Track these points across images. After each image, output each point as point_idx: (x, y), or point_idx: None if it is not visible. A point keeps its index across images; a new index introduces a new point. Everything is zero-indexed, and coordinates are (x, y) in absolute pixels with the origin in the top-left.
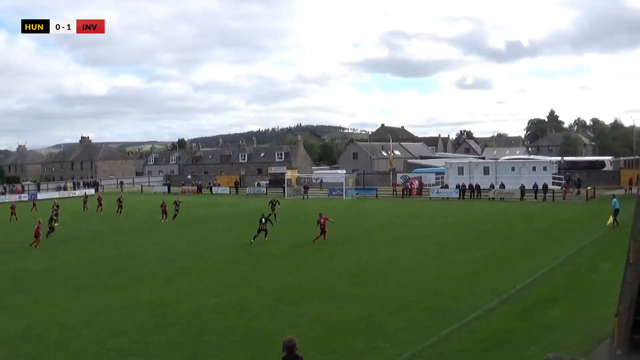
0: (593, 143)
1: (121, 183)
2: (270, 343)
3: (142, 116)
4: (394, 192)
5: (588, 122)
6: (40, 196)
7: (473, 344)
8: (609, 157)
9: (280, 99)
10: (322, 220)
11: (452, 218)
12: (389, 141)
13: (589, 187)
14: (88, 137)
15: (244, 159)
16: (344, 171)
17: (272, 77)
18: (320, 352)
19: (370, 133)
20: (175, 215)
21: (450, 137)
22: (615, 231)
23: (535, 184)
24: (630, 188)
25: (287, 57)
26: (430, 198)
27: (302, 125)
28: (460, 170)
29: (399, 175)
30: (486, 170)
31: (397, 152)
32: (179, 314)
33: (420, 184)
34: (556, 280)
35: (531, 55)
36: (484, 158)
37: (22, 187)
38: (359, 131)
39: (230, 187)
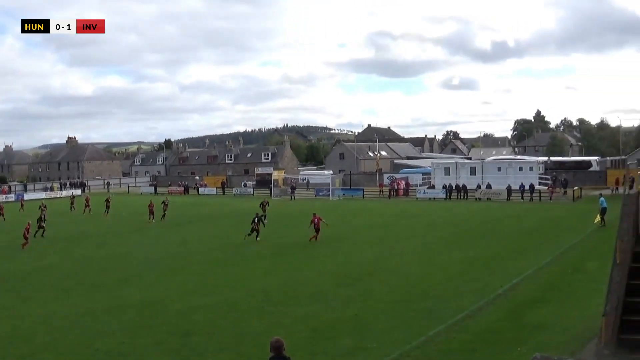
0: (579, 143)
1: (108, 184)
2: (257, 343)
3: (129, 116)
4: (381, 193)
5: (574, 123)
6: (27, 197)
7: (460, 344)
8: (596, 157)
9: (267, 99)
10: (316, 220)
11: (438, 218)
12: (376, 142)
13: (576, 187)
14: (75, 138)
15: (231, 160)
16: (331, 172)
17: (259, 78)
18: (308, 353)
19: (356, 133)
20: (164, 215)
21: (437, 138)
22: (601, 231)
23: (522, 184)
24: (617, 188)
25: (273, 58)
26: (417, 198)
27: (289, 125)
28: (447, 171)
29: (385, 176)
30: (473, 171)
31: (383, 153)
32: (167, 315)
33: (407, 184)
34: (543, 280)
35: (517, 56)
36: (470, 158)
37: (9, 187)
38: (345, 132)
39: (216, 188)
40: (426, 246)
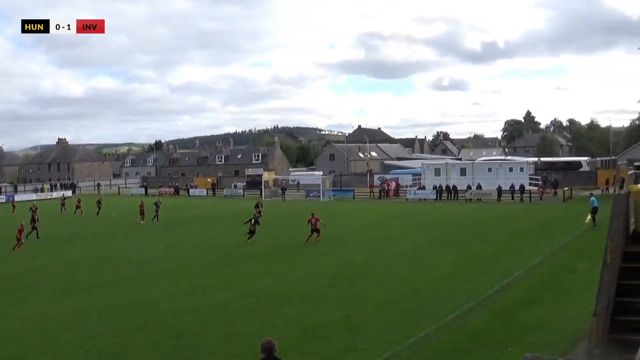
0: (570, 144)
1: (98, 185)
2: (249, 344)
3: (119, 118)
4: (371, 194)
5: (564, 123)
6: (17, 198)
7: (451, 344)
8: (586, 158)
9: (257, 100)
10: (313, 220)
11: (429, 219)
12: (366, 142)
13: (566, 188)
14: (65, 139)
15: (221, 161)
16: (321, 173)
17: (249, 79)
18: (299, 354)
19: (347, 134)
20: (156, 216)
21: (427, 139)
22: (592, 231)
23: (512, 184)
24: (607, 188)
25: (263, 59)
26: (407, 199)
27: (279, 126)
28: (437, 172)
29: (376, 177)
30: (463, 171)
31: (373, 154)
32: (158, 316)
33: (397, 185)
34: (534, 281)
35: (507, 57)
36: (460, 159)
37: (0, 188)
38: (335, 133)
39: (207, 189)
40: (417, 247)
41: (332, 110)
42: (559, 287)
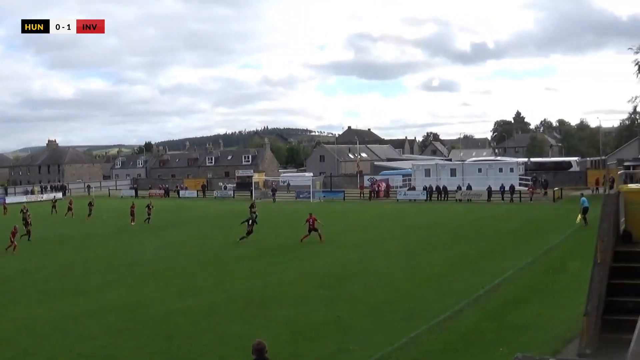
0: (559, 144)
1: (88, 187)
2: (240, 346)
3: (109, 119)
4: (361, 195)
5: (554, 123)
6: (8, 200)
7: (442, 345)
8: (576, 158)
9: (247, 101)
10: (310, 219)
11: (419, 220)
12: (356, 144)
13: (556, 188)
14: (55, 141)
15: (211, 162)
16: (311, 174)
17: (239, 80)
18: (290, 355)
19: (337, 136)
20: (149, 218)
21: (417, 139)
22: (582, 231)
23: (502, 185)
24: (597, 188)
25: (253, 60)
26: (398, 200)
27: (269, 128)
28: (427, 172)
29: (366, 178)
30: (453, 172)
31: (364, 155)
32: (148, 318)
33: (388, 186)
34: (525, 281)
35: (497, 57)
36: (450, 160)
37: None
38: (325, 134)
39: (197, 191)
40: (407, 248)
41: (322, 112)
42: (550, 287)
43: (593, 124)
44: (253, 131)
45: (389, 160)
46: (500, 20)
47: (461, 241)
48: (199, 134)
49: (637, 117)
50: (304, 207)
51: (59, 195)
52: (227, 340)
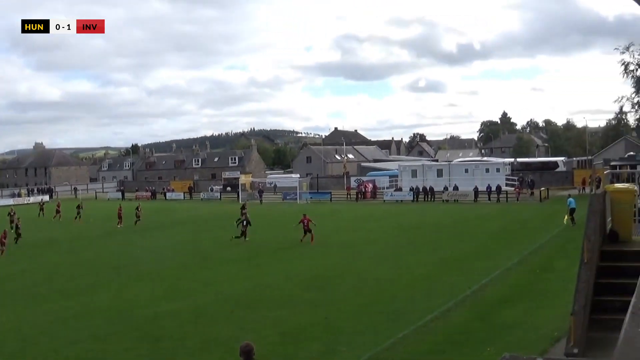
0: (546, 144)
1: (75, 189)
2: (227, 348)
3: (96, 121)
4: (348, 196)
5: (541, 124)
6: None
7: (430, 345)
8: (562, 158)
9: (234, 103)
10: (305, 220)
11: (406, 221)
12: (343, 145)
13: (543, 188)
14: (42, 143)
15: (198, 164)
16: (298, 175)
17: (225, 82)
18: (278, 357)
19: (323, 137)
20: (137, 220)
21: (404, 140)
22: (569, 231)
23: (489, 185)
24: (584, 188)
25: (240, 61)
26: (384, 201)
27: (256, 129)
28: (414, 173)
29: (352, 179)
30: (439, 173)
31: (350, 156)
32: (135, 321)
33: (374, 187)
34: (512, 280)
35: (483, 58)
36: (437, 160)
37: None
38: (312, 135)
39: (184, 193)
40: (394, 249)
41: (309, 113)
42: (537, 286)
43: (579, 124)
44: (240, 133)
45: (375, 161)
46: (487, 21)
47: (448, 241)
48: (185, 136)
49: (624, 117)
50: (290, 208)
51: (46, 198)
52: (214, 342)
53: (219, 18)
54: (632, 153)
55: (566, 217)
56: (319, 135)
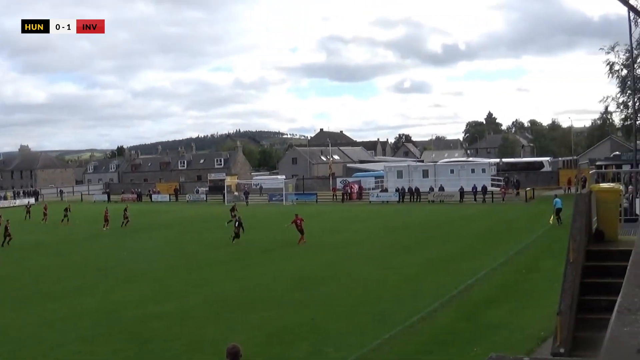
0: (531, 144)
1: (61, 192)
2: (214, 350)
3: (81, 123)
4: (334, 197)
5: (526, 124)
6: None
7: (416, 346)
8: (547, 158)
9: (219, 104)
10: (298, 220)
11: (392, 221)
12: (328, 146)
13: (528, 188)
14: (27, 146)
15: (183, 166)
16: (284, 176)
17: (210, 83)
18: (265, 358)
19: (309, 138)
20: (127, 222)
21: (389, 141)
22: (555, 230)
23: (475, 186)
24: (569, 188)
25: (225, 63)
26: (370, 202)
27: (241, 131)
28: (400, 174)
29: (338, 180)
30: (425, 173)
31: (336, 157)
32: (123, 323)
33: (360, 188)
34: (498, 281)
35: (468, 58)
36: (422, 161)
37: None
38: (298, 136)
39: (170, 195)
40: (380, 249)
41: (294, 114)
42: (523, 286)
43: (565, 124)
44: (225, 134)
45: (361, 162)
46: (472, 22)
47: (434, 242)
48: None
49: (609, 117)
50: (277, 209)
51: (32, 200)
52: (201, 344)
53: (205, 19)
54: (617, 153)
55: (552, 217)
56: (304, 136)
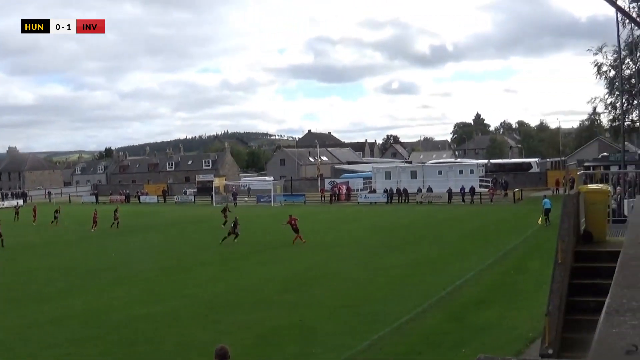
0: (519, 145)
1: (49, 193)
2: (203, 352)
3: (69, 125)
4: (322, 198)
5: (514, 125)
6: None
7: (405, 347)
8: (535, 159)
9: (207, 106)
10: (292, 221)
11: (380, 222)
12: (316, 147)
13: (516, 189)
14: (15, 147)
15: (172, 167)
16: (272, 178)
17: (198, 84)
18: None
19: (297, 139)
20: (117, 223)
21: (377, 142)
22: (543, 232)
23: (463, 187)
24: (557, 189)
25: (213, 64)
26: (359, 203)
27: (229, 132)
28: (388, 175)
29: (326, 181)
30: (413, 174)
31: (324, 158)
32: (111, 325)
33: (348, 189)
34: (486, 282)
35: (456, 59)
36: (411, 162)
37: None
38: (286, 137)
39: (158, 196)
40: (369, 250)
41: (282, 115)
42: (512, 287)
43: (553, 125)
44: (213, 136)
45: (349, 163)
46: (459, 23)
47: (422, 243)
48: (159, 139)
49: (597, 118)
50: (265, 211)
51: (21, 202)
52: (190, 345)
53: (193, 21)
54: (605, 154)
55: (540, 218)
56: (292, 137)
